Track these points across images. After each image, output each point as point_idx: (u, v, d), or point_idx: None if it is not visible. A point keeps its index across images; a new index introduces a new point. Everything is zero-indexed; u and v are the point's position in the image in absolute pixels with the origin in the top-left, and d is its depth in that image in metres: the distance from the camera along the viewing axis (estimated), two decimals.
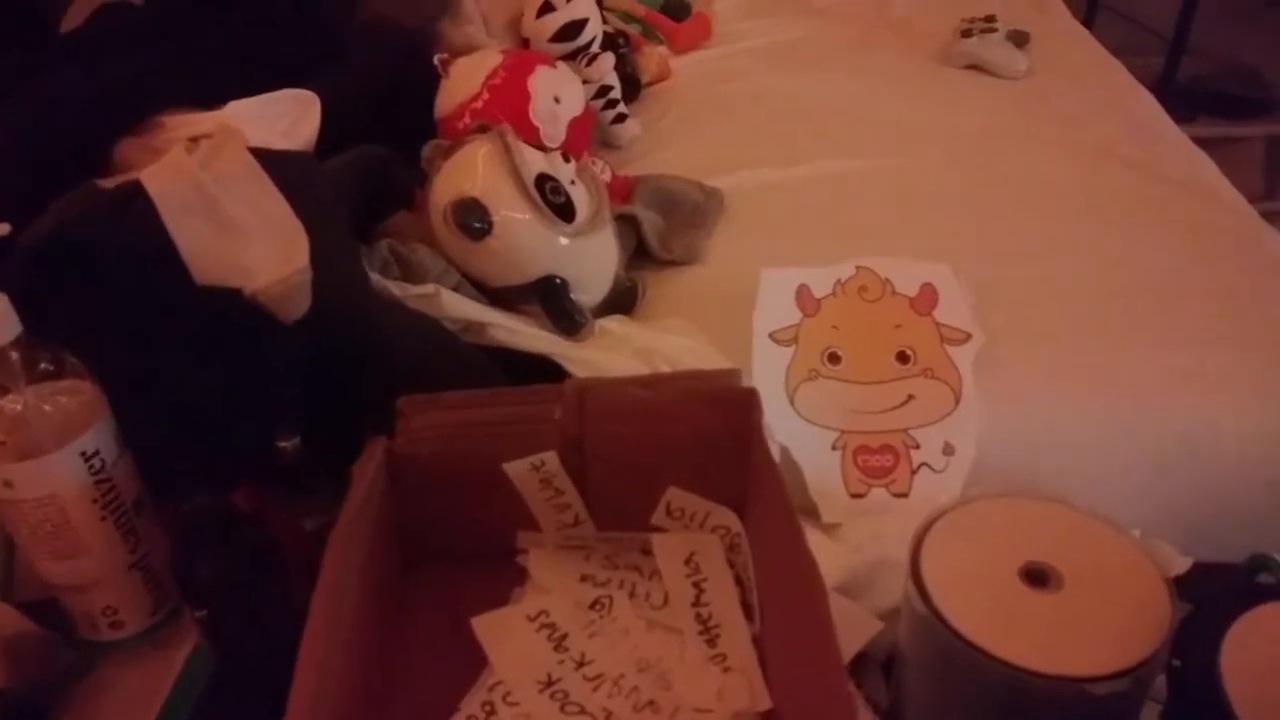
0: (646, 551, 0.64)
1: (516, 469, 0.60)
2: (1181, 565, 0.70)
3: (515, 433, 0.61)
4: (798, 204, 1.10)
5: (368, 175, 0.84)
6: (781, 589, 0.55)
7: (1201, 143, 1.26)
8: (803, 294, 0.80)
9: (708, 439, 0.63)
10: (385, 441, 0.59)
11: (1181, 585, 0.69)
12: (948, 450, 0.77)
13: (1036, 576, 0.53)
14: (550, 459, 0.60)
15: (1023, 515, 0.57)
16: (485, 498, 0.62)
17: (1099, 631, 0.50)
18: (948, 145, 1.21)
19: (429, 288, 0.75)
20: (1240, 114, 2.38)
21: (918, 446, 0.77)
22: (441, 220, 0.78)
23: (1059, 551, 0.54)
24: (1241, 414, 0.81)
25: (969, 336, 0.80)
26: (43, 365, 0.57)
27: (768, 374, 0.78)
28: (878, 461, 0.76)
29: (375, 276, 0.75)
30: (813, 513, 0.75)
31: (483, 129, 0.84)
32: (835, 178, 1.15)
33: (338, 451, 0.59)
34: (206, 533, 0.52)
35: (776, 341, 0.79)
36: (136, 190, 0.66)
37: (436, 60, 0.98)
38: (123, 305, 0.65)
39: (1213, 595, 0.51)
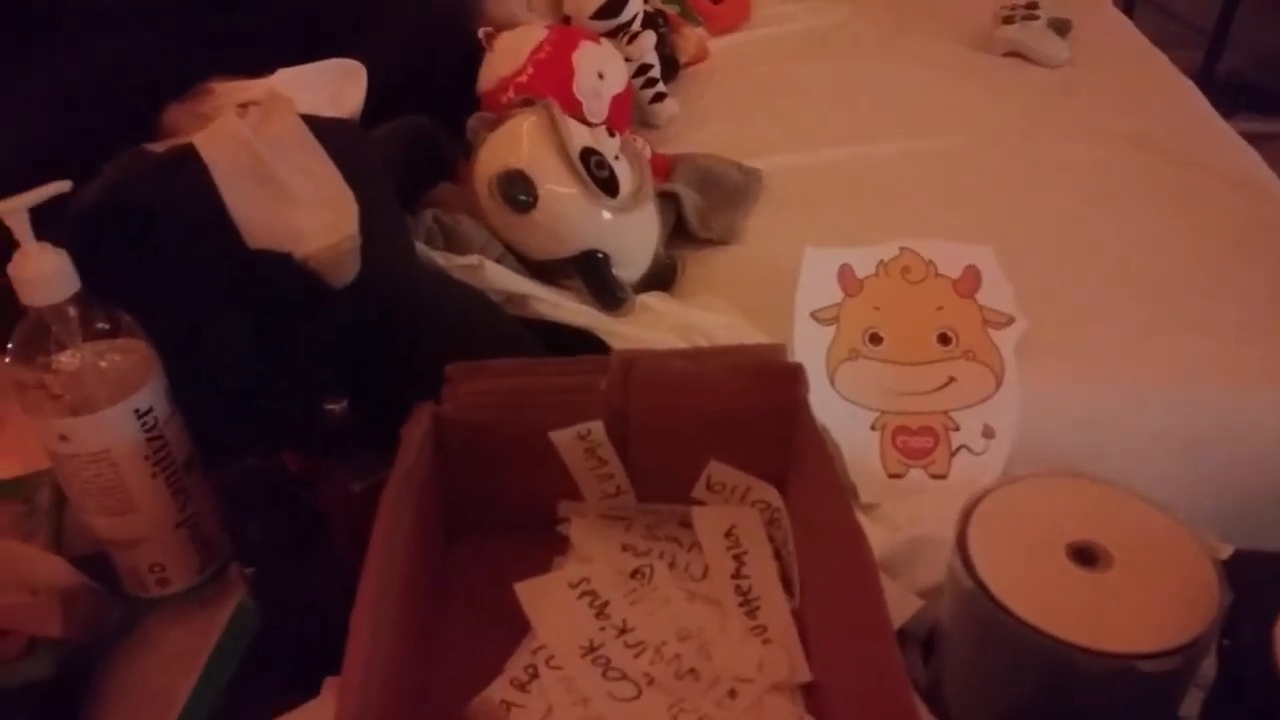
0: (686, 524, 0.64)
1: (562, 438, 0.60)
2: (1223, 552, 0.69)
3: (560, 402, 0.61)
4: (835, 186, 1.09)
5: (413, 145, 0.84)
6: (828, 562, 0.55)
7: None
8: (845, 273, 0.80)
9: (751, 413, 0.63)
10: (432, 407, 0.59)
11: (1224, 572, 0.68)
12: (988, 433, 0.77)
13: (1085, 555, 0.53)
14: (596, 428, 0.60)
15: (1071, 494, 0.57)
16: (529, 465, 0.62)
17: (1148, 610, 0.50)
18: (987, 131, 1.20)
19: (473, 259, 0.76)
20: (1277, 110, 2.34)
21: (957, 428, 0.77)
22: (487, 192, 0.79)
23: (1107, 531, 0.54)
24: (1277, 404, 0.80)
25: (1011, 320, 0.80)
26: (99, 324, 0.57)
27: (808, 353, 0.78)
28: (917, 443, 0.76)
29: (420, 246, 0.76)
30: (851, 492, 0.75)
31: (527, 103, 0.84)
32: (873, 161, 1.14)
33: (384, 416, 0.59)
34: (258, 492, 0.53)
35: (818, 320, 0.79)
36: (189, 154, 0.67)
37: (481, 33, 0.99)
38: (173, 267, 0.65)
39: (1263, 579, 0.50)
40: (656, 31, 1.30)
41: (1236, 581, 0.63)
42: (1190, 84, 1.39)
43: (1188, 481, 0.81)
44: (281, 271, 0.63)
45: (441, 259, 0.76)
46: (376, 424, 0.59)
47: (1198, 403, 0.82)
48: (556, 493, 0.64)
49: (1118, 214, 1.03)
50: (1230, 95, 2.27)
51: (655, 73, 1.26)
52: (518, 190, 0.77)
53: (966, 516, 0.55)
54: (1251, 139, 1.25)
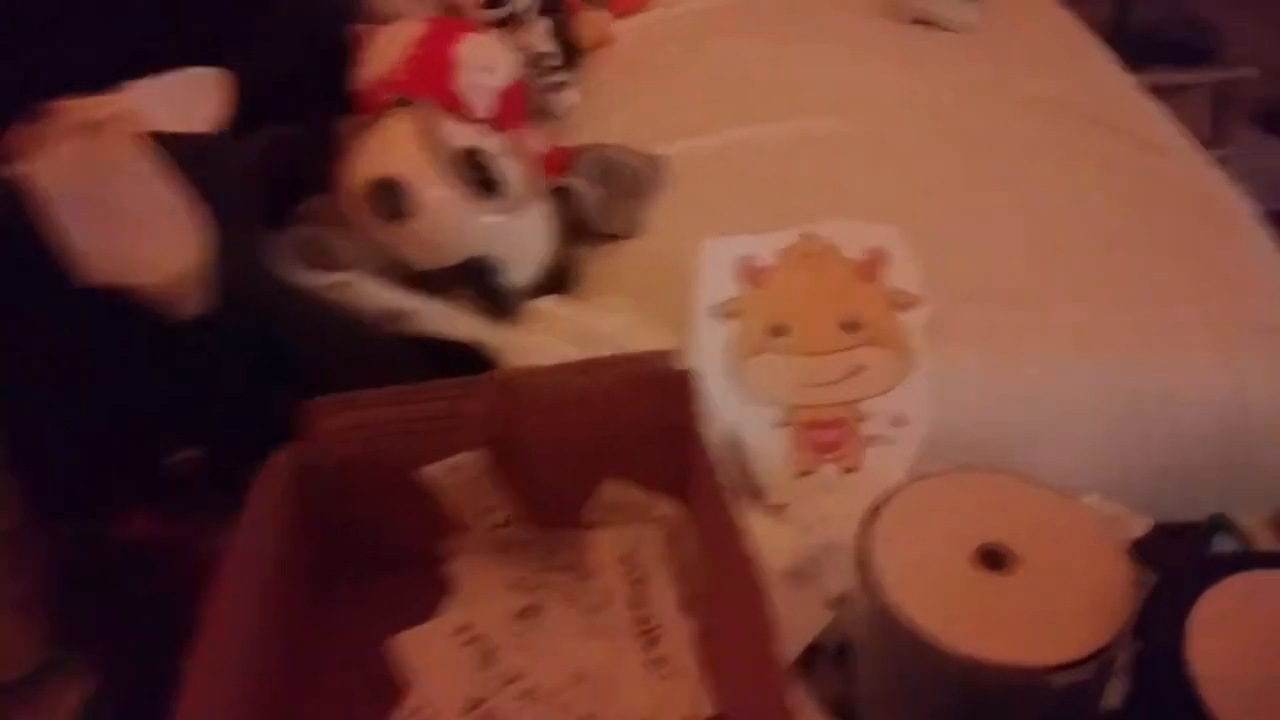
0: (583, 550, 0.60)
1: (436, 473, 0.56)
2: (1140, 528, 0.68)
3: (437, 430, 0.57)
4: (744, 169, 1.06)
5: (280, 157, 0.78)
6: (723, 588, 0.52)
7: (1149, 91, 1.23)
8: (745, 265, 0.76)
9: (645, 425, 0.59)
10: (292, 449, 0.55)
11: (1142, 549, 0.67)
12: (899, 421, 0.74)
13: (992, 558, 0.50)
14: (471, 460, 0.56)
15: (977, 492, 0.54)
16: (407, 502, 0.57)
17: (1058, 616, 0.47)
18: (897, 103, 1.17)
19: (346, 276, 0.71)
20: (1187, 62, 2.36)
21: (868, 418, 0.74)
22: (359, 202, 0.74)
23: (1015, 530, 0.51)
24: (1198, 370, 0.79)
25: (918, 301, 0.77)
26: None
27: (712, 350, 0.74)
28: (827, 436, 0.73)
29: (288, 266, 0.71)
30: (760, 492, 0.72)
31: (403, 103, 0.79)
32: (782, 141, 1.11)
33: (248, 462, 0.54)
34: (90, 565, 0.48)
35: (720, 316, 0.75)
36: (19, 182, 0.61)
37: (354, 31, 0.93)
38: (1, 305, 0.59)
39: (1175, 571, 0.48)
40: (552, 18, 1.25)
41: (1153, 559, 0.62)
42: (1098, 42, 1.37)
43: (1107, 452, 0.80)
44: (123, 306, 0.58)
45: (312, 278, 0.70)
46: (243, 470, 0.54)
47: (1115, 372, 0.81)
48: (440, 527, 0.59)
49: (1030, 183, 1.01)
50: (1139, 48, 2.28)
51: (553, 61, 1.21)
52: (392, 199, 0.72)
53: (871, 522, 0.52)
54: (1160, 92, 1.24)
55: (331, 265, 0.72)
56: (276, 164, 0.78)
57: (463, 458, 0.55)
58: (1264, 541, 0.67)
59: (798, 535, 0.66)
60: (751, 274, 0.76)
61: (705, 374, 0.72)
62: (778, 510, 0.71)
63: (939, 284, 0.77)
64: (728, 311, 0.75)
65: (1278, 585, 0.45)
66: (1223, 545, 0.67)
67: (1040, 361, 0.82)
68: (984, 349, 0.81)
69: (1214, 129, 2.25)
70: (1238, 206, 0.97)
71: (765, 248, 0.78)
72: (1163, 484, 0.78)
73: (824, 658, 0.59)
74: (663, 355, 0.61)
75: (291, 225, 0.75)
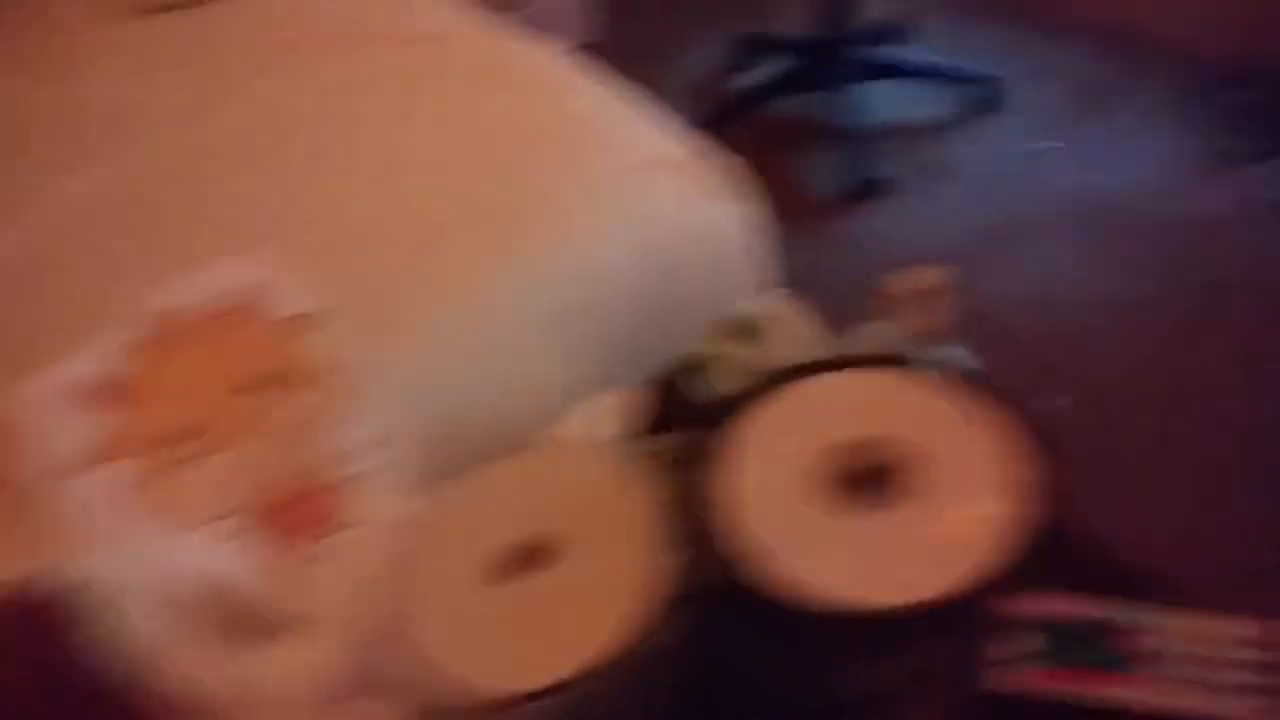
0: None
1: None
2: (626, 423, 0.66)
3: None
4: (32, 263, 0.83)
5: None
6: None
7: None
8: (80, 395, 0.58)
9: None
10: None
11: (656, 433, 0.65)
12: (368, 442, 0.64)
13: (526, 556, 0.43)
14: None
15: (505, 488, 0.47)
16: None
17: (592, 609, 0.41)
18: (192, 106, 1.00)
19: None
20: None
21: (339, 463, 0.62)
22: None
23: (552, 514, 0.44)
24: (595, 233, 0.82)
25: (317, 313, 0.65)
26: None
27: (94, 519, 0.56)
28: (300, 514, 0.61)
29: None
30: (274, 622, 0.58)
31: None
32: (78, 205, 0.89)
33: None
34: None
35: (82, 473, 0.56)
36: None
37: None
38: None
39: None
40: None
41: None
42: None
43: (562, 345, 0.79)
44: None
45: None
46: None
47: (538, 265, 0.81)
48: None
49: (371, 130, 0.93)
50: None
51: None
52: None
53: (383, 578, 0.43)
54: None
55: None
56: None
57: None
58: (729, 347, 0.69)
59: (330, 641, 0.54)
60: (96, 399, 0.58)
61: (98, 540, 0.55)
62: (303, 634, 0.58)
63: (341, 281, 0.67)
64: (92, 456, 0.57)
65: (778, 415, 0.43)
66: (698, 382, 0.67)
67: (470, 294, 0.79)
68: (417, 315, 0.75)
69: None
70: (557, 68, 0.98)
71: (101, 357, 0.60)
72: (614, 355, 0.80)
73: None
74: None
75: None
